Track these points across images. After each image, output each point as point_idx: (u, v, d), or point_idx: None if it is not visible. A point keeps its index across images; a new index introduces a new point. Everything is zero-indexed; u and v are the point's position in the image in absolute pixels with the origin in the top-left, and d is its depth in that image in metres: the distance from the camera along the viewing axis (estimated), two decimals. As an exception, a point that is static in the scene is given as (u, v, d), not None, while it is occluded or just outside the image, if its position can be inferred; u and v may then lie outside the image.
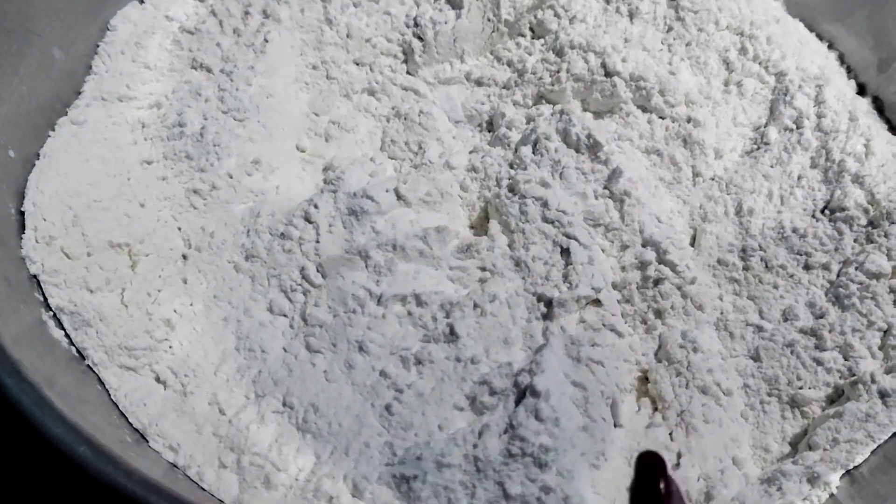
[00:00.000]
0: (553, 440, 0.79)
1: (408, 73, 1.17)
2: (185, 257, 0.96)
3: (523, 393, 0.83)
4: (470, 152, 1.10)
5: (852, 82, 1.13)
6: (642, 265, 0.96)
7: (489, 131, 1.14)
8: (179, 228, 0.98)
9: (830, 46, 1.17)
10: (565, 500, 0.78)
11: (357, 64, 1.16)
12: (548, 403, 0.81)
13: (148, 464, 0.78)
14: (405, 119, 1.12)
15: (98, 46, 1.10)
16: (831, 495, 0.82)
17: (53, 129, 1.00)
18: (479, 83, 1.16)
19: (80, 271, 0.89)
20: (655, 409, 0.91)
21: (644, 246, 0.97)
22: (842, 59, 1.16)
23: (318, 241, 0.94)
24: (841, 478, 0.83)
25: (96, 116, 1.02)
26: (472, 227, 1.03)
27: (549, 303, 0.92)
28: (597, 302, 0.94)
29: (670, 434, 0.88)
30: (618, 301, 0.96)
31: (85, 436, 0.65)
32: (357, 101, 1.15)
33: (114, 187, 0.95)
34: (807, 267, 0.96)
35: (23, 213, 0.90)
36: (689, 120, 1.06)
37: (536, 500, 0.78)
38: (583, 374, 0.86)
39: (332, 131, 1.11)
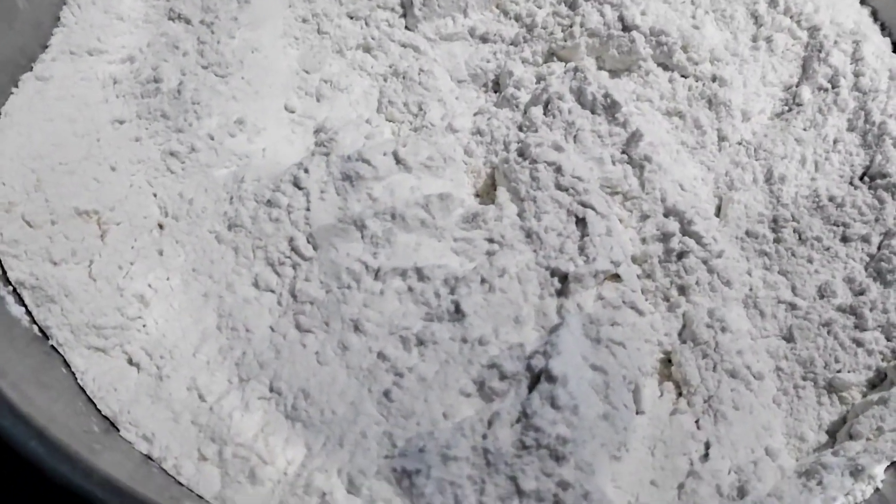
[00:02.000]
0: (571, 430, 0.73)
1: (406, 28, 1.12)
2: (160, 226, 0.91)
3: (537, 377, 0.77)
4: (474, 114, 1.05)
5: (888, 40, 1.08)
6: (665, 237, 0.91)
7: (495, 91, 1.09)
8: (155, 195, 0.92)
9: (863, 2, 1.11)
10: (585, 496, 0.72)
11: (351, 17, 1.11)
12: (565, 389, 0.75)
13: (118, 456, 0.73)
14: (404, 78, 1.06)
15: None
16: (876, 490, 0.77)
17: (16, 86, 0.95)
18: (483, 39, 1.10)
19: (43, 241, 0.83)
20: (680, 394, 0.85)
21: (666, 216, 0.92)
22: (875, 14, 1.11)
23: (308, 209, 0.89)
24: (886, 470, 0.77)
25: (64, 72, 0.98)
26: (477, 196, 0.98)
27: (563, 278, 0.86)
28: (615, 277, 0.88)
29: (696, 422, 0.82)
30: (637, 276, 0.90)
31: (37, 428, 0.57)
32: (351, 59, 1.09)
33: (81, 149, 0.90)
34: (844, 239, 0.91)
35: (-21, 177, 0.85)
36: (714, 79, 1.01)
37: (553, 496, 0.72)
38: (603, 356, 0.80)
39: (323, 90, 1.05)
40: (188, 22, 1.03)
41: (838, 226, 0.91)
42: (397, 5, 1.11)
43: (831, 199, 0.92)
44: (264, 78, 1.01)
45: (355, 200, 0.89)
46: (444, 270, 0.85)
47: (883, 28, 1.09)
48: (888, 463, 0.77)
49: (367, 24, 1.10)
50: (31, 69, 0.97)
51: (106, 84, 0.98)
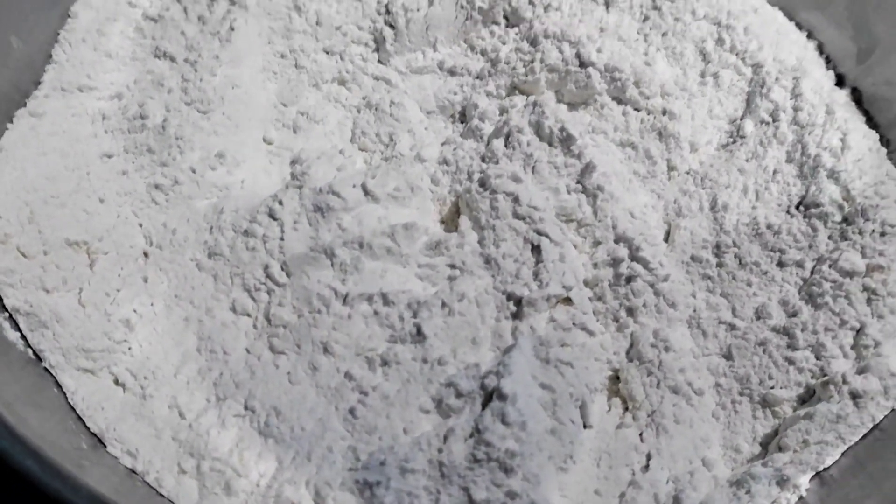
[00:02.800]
0: (519, 444, 0.78)
1: (379, 61, 1.15)
2: (145, 255, 0.94)
3: (490, 395, 0.82)
4: (442, 144, 1.08)
5: (831, 73, 1.12)
6: (615, 262, 0.95)
7: (462, 122, 1.13)
8: (140, 225, 0.96)
9: (809, 36, 1.15)
10: (531, 505, 0.77)
11: (327, 52, 1.14)
12: (514, 407, 0.79)
13: (104, 471, 0.77)
14: (376, 109, 1.11)
15: (58, 34, 1.07)
16: (800, 498, 0.81)
17: (11, 122, 0.98)
18: (451, 72, 1.14)
19: (37, 270, 0.87)
20: (626, 408, 0.90)
21: (617, 242, 0.96)
22: (821, 48, 1.14)
23: (282, 239, 0.93)
24: (811, 480, 0.82)
25: (55, 108, 1.01)
26: (442, 222, 1.02)
27: (518, 302, 0.91)
28: (568, 300, 0.92)
29: (640, 435, 0.87)
30: (589, 299, 0.94)
31: (32, 447, 0.63)
32: (327, 91, 1.13)
33: (72, 182, 0.94)
34: (780, 264, 0.95)
35: (-24, 210, 0.88)
36: (664, 112, 1.05)
37: (502, 505, 0.77)
38: (551, 375, 0.85)
39: (300, 122, 1.09)
40: (173, 60, 1.06)
41: (775, 252, 0.94)
42: (370, 41, 1.15)
43: (769, 226, 0.96)
44: (244, 112, 1.05)
45: (326, 230, 0.93)
46: (407, 295, 0.90)
47: (828, 61, 1.12)
48: (812, 473, 0.81)
49: (341, 58, 1.14)
50: (24, 105, 0.99)
51: (95, 120, 1.01)
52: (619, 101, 1.07)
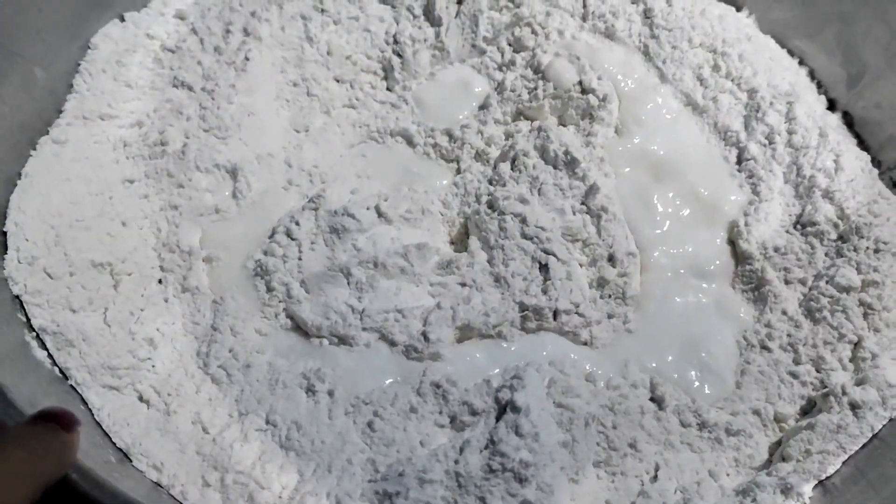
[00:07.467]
0: (533, 455, 0.80)
1: (388, 89, 1.18)
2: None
3: (504, 408, 0.84)
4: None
5: (822, 98, 1.15)
6: None
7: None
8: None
9: (801, 62, 1.19)
10: (545, 513, 0.79)
11: (337, 81, 1.16)
12: (528, 419, 0.82)
13: (132, 483, 0.78)
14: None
15: (79, 65, 1.09)
16: None
17: (35, 149, 1.00)
18: None
19: (63, 291, 0.88)
20: None
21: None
22: (812, 74, 1.18)
23: (300, 259, 0.95)
24: (813, 488, 0.84)
25: (78, 135, 1.02)
26: (452, 243, 1.04)
27: None
28: None
29: (648, 446, 0.88)
30: None
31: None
32: (337, 117, 1.14)
33: (96, 206, 0.95)
34: (786, 282, 0.98)
35: (5, 234, 0.90)
36: None
37: (517, 514, 0.79)
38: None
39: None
40: (191, 89, 1.09)
41: (780, 270, 0.98)
42: (379, 69, 1.17)
43: (776, 247, 0.99)
44: (259, 138, 1.06)
45: (342, 251, 0.95)
46: (420, 311, 0.93)
47: (820, 86, 1.16)
48: (815, 482, 0.83)
49: (352, 86, 1.15)
50: (47, 133, 1.01)
51: (117, 146, 1.03)
52: (620, 126, 1.10)
